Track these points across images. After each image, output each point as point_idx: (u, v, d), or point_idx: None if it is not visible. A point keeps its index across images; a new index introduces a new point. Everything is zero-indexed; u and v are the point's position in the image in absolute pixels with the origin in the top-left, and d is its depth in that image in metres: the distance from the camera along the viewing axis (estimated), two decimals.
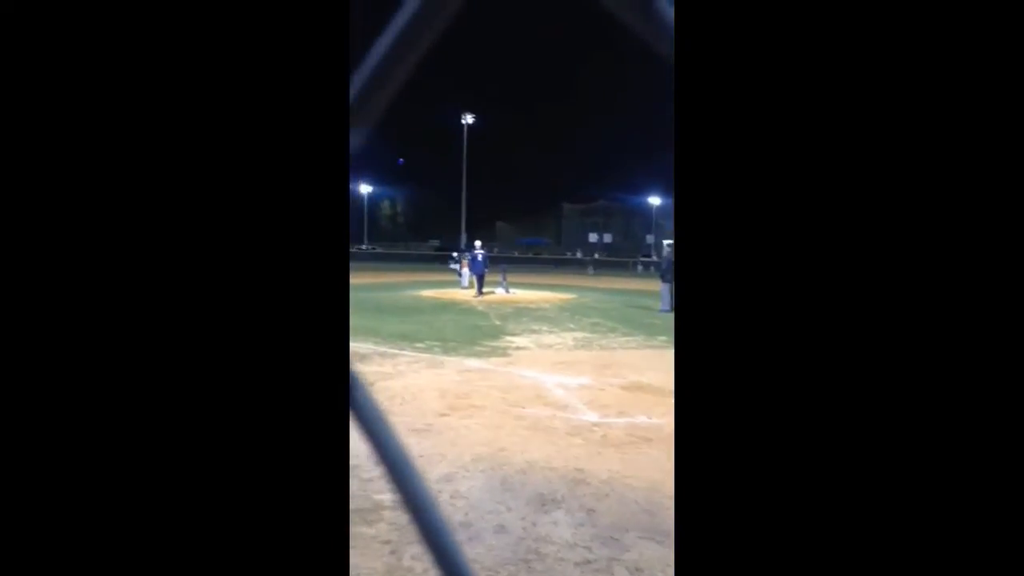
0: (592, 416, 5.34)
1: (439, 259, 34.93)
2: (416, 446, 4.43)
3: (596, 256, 38.94)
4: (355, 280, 21.94)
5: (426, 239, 59.77)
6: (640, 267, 40.17)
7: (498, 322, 11.55)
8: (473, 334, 9.86)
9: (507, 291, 17.59)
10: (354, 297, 15.97)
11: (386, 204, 67.63)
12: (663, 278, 13.96)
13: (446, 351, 8.33)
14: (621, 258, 33.64)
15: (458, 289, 18.18)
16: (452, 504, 3.53)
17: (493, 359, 7.85)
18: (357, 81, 0.33)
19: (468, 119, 49.94)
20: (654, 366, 7.36)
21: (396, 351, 8.01)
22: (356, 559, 2.92)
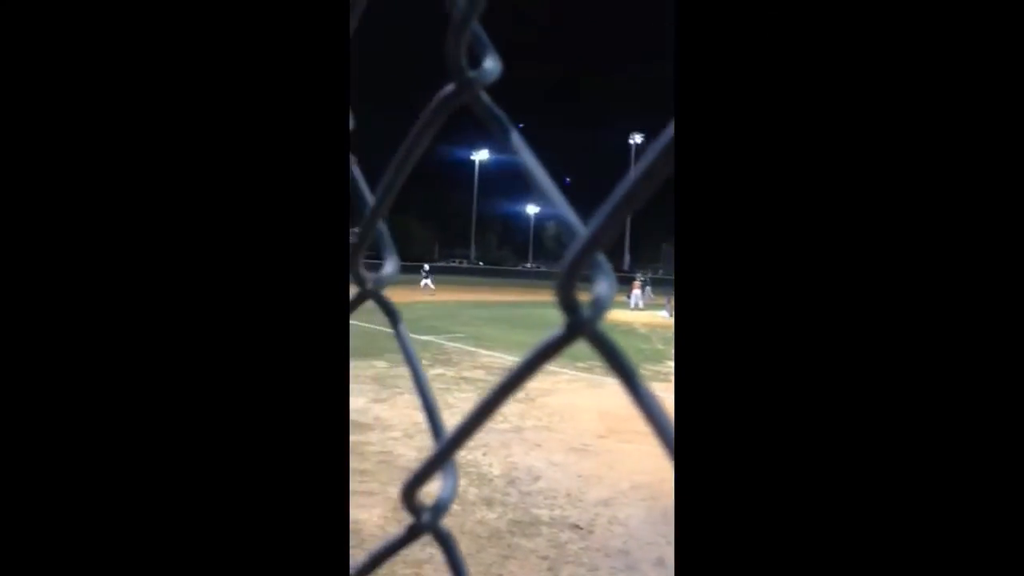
0: None
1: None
2: (574, 465, 4.42)
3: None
4: (515, 297, 22.71)
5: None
6: None
7: (660, 346, 11.15)
8: (635, 357, 9.60)
9: (671, 315, 16.96)
10: (513, 313, 16.55)
11: (551, 225, 69.50)
12: None
13: (607, 372, 8.22)
14: None
15: (625, 310, 17.96)
16: (609, 530, 3.45)
17: (655, 384, 7.57)
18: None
19: (636, 139, 49.49)
20: None
21: (556, 368, 8.12)
22: (514, 569, 2.98)
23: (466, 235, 57.62)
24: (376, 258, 0.45)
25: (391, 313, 0.37)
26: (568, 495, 3.89)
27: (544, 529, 3.41)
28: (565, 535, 3.34)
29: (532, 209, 59.86)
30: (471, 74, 0.29)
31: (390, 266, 0.36)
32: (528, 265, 55.82)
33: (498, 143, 0.28)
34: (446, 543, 0.31)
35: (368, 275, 0.37)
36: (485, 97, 0.29)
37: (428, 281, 22.05)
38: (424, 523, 0.31)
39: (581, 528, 3.45)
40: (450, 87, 0.29)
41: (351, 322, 0.41)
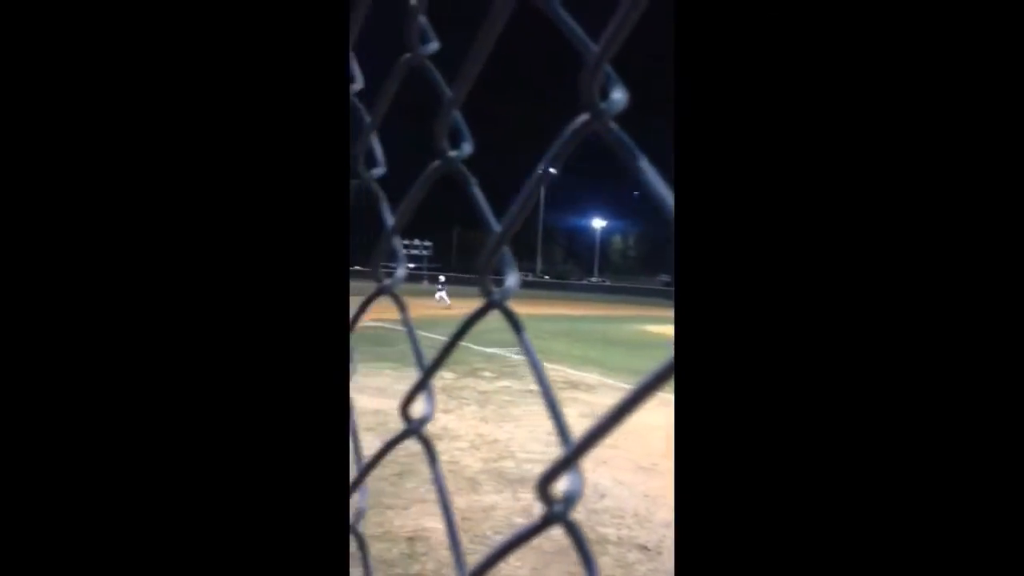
0: None
1: (666, 295, 34.39)
2: (641, 485, 4.33)
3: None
4: (580, 311, 22.51)
5: (655, 274, 58.91)
6: None
7: None
8: None
9: None
10: (580, 328, 16.42)
11: (618, 239, 68.72)
12: None
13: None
14: None
15: None
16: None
17: None
18: None
19: None
20: None
21: (622, 384, 7.99)
22: None
23: (532, 248, 57.97)
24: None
25: (515, 323, 0.40)
26: (635, 515, 3.81)
27: (611, 548, 3.35)
28: (632, 555, 3.28)
29: (599, 223, 59.47)
30: (602, 105, 0.31)
31: (512, 280, 0.40)
32: (593, 279, 55.32)
33: (629, 168, 0.30)
34: (575, 532, 0.34)
35: (495, 289, 0.41)
36: (614, 125, 0.32)
37: (443, 293, 20.69)
38: (556, 513, 0.34)
39: (649, 549, 3.37)
40: (583, 116, 0.32)
41: (464, 343, 0.44)
